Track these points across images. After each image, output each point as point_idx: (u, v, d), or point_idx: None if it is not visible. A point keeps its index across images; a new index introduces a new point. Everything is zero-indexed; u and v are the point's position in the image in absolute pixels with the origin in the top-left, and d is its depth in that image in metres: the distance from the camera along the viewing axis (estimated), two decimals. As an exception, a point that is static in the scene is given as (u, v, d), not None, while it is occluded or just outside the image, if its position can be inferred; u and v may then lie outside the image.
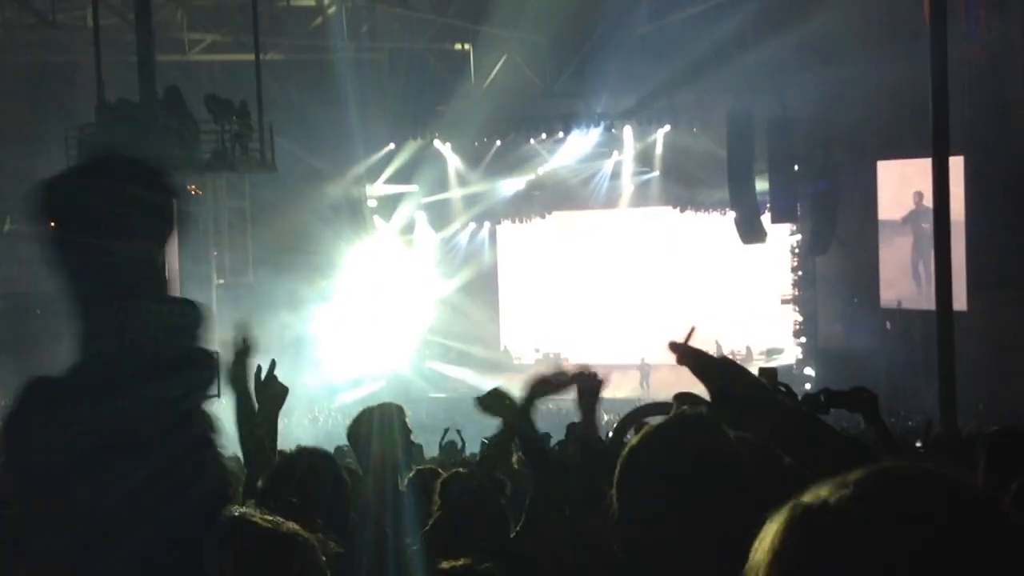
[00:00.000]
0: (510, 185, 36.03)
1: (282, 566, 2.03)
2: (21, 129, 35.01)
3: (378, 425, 5.17)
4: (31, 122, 34.07)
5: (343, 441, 12.61)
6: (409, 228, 36.59)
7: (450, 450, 13.53)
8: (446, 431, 14.47)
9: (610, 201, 35.67)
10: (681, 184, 35.20)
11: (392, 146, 35.71)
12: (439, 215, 36.54)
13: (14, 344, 30.16)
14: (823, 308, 34.82)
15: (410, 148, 35.78)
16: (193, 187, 35.24)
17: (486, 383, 5.79)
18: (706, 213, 34.78)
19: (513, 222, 36.42)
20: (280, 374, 4.78)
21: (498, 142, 35.45)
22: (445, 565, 3.46)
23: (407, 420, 5.35)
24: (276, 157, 24.82)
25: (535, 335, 35.61)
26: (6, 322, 33.05)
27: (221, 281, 35.88)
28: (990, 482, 4.11)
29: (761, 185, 33.06)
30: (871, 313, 33.52)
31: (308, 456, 4.35)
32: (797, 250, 34.64)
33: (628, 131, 34.70)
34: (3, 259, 35.45)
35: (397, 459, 5.17)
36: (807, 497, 1.24)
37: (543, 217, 36.23)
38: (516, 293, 36.46)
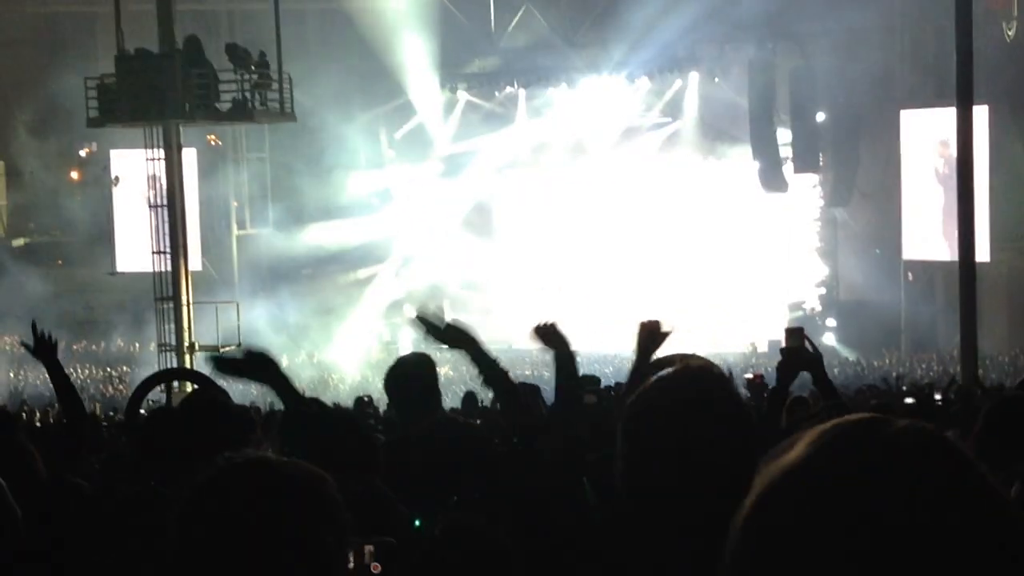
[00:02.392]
0: (528, 134, 35.87)
1: (302, 504, 2.03)
2: (41, 78, 35.01)
3: (413, 373, 5.30)
4: (51, 71, 34.06)
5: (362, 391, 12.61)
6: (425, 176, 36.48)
7: (471, 402, 13.59)
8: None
9: (631, 151, 35.47)
10: (703, 134, 34.99)
11: (405, 98, 35.60)
12: (456, 165, 36.43)
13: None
14: (844, 259, 34.69)
15: (430, 98, 35.65)
16: (213, 137, 35.31)
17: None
18: (729, 163, 34.60)
19: (530, 171, 36.29)
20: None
21: (520, 91, 35.31)
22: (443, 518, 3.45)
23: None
24: (296, 107, 24.77)
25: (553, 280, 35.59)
26: None
27: (241, 232, 35.99)
28: (984, 446, 4.09)
29: (784, 135, 32.91)
30: (893, 264, 33.40)
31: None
32: (821, 201, 34.49)
33: (648, 82, 34.48)
34: (26, 206, 35.60)
35: (435, 404, 5.33)
36: (770, 458, 1.24)
37: (560, 165, 36.08)
38: (530, 242, 36.35)
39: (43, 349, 5.78)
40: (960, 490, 1.15)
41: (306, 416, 4.34)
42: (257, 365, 4.19)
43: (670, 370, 2.57)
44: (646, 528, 2.39)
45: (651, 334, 4.59)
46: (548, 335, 4.52)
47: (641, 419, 2.45)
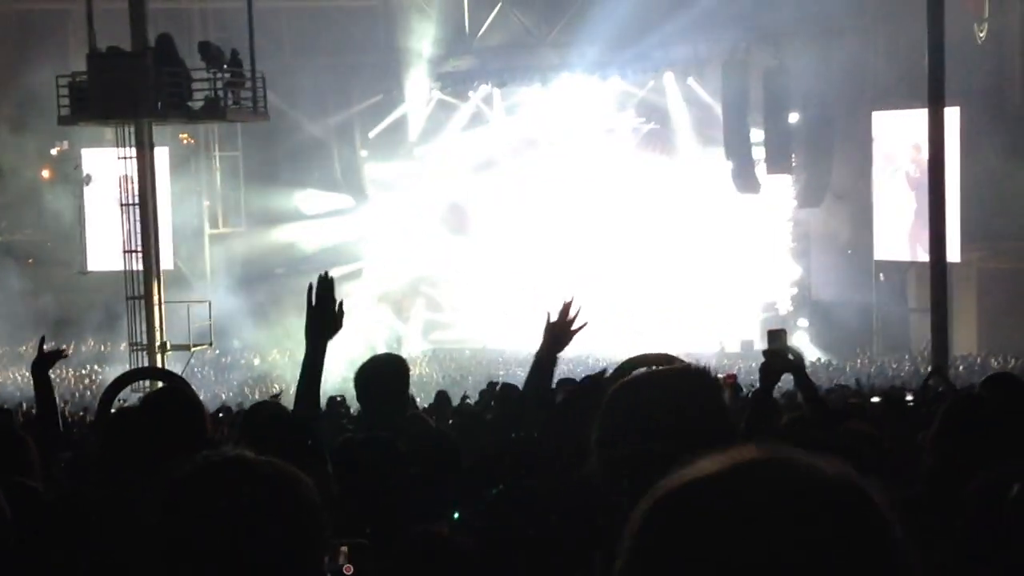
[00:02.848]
0: (503, 133, 35.88)
1: (280, 504, 2.01)
2: (12, 76, 34.78)
3: (384, 373, 5.28)
4: (22, 69, 33.82)
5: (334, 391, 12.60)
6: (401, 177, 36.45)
7: (442, 401, 13.58)
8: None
9: (604, 151, 35.48)
10: (676, 134, 35.05)
11: (381, 96, 35.54)
12: (430, 165, 36.39)
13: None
14: (817, 260, 34.83)
15: (406, 98, 35.61)
16: (185, 136, 35.16)
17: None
18: (702, 163, 34.66)
19: (505, 170, 36.27)
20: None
21: (495, 90, 35.29)
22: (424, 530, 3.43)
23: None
24: (268, 106, 24.68)
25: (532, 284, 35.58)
26: None
27: (214, 231, 35.86)
28: (941, 446, 4.10)
29: (757, 136, 33.00)
30: (865, 265, 33.54)
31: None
32: (793, 202, 34.59)
33: (621, 81, 34.51)
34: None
35: (403, 405, 5.33)
36: (671, 479, 1.24)
37: (535, 164, 36.08)
38: (505, 242, 36.33)
39: (41, 365, 5.88)
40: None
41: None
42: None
43: (659, 368, 2.56)
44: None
45: (558, 333, 4.61)
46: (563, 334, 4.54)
47: (622, 403, 2.44)
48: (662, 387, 2.44)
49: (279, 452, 2.11)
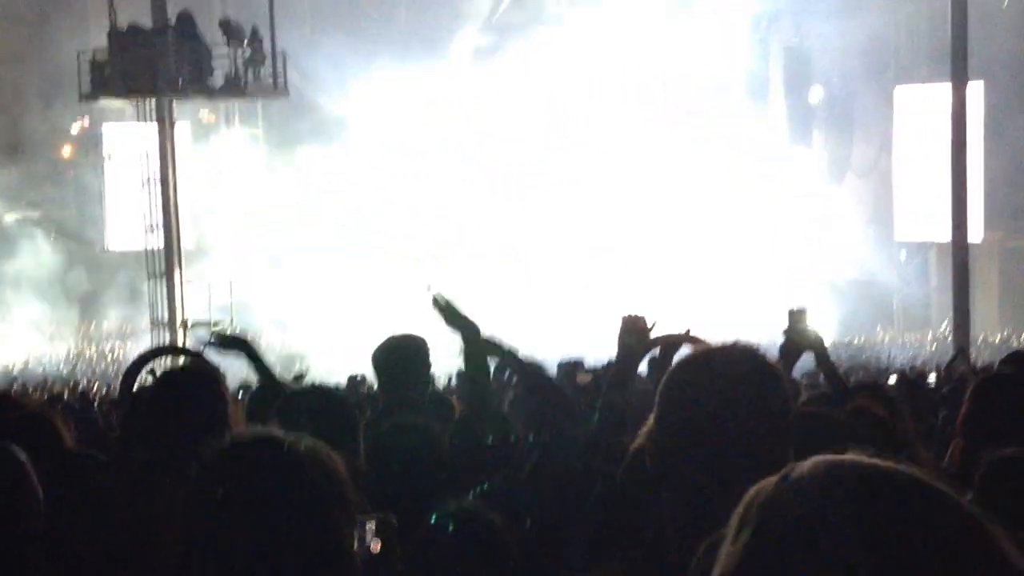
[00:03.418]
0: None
1: (309, 480, 2.05)
2: (34, 53, 34.86)
3: (404, 353, 5.24)
4: (43, 46, 33.90)
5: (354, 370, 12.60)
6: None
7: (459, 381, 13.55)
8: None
9: (617, 123, 35.15)
10: (696, 103, 34.82)
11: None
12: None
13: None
14: (838, 237, 34.67)
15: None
16: (206, 112, 35.19)
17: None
18: (723, 140, 34.47)
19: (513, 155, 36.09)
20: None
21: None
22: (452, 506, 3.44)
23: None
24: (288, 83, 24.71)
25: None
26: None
27: (234, 208, 35.88)
28: (972, 426, 4.07)
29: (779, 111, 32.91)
30: (886, 243, 33.39)
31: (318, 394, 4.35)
32: (814, 179, 34.45)
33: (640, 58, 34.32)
34: (18, 181, 35.47)
35: (425, 385, 5.32)
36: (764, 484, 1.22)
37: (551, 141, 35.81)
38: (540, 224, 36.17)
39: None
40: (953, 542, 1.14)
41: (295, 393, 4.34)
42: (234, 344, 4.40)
43: (714, 347, 2.49)
44: (675, 506, 2.32)
45: (634, 329, 4.55)
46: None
47: (682, 387, 2.36)
48: (727, 366, 2.36)
49: (317, 431, 2.14)
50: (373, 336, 5.84)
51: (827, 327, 31.99)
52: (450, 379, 13.57)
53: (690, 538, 2.03)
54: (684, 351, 2.58)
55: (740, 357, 2.37)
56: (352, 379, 12.85)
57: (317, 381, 5.07)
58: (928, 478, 1.18)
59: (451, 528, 3.24)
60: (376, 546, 2.41)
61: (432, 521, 3.75)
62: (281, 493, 2.00)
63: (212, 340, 4.94)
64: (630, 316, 4.54)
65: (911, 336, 31.69)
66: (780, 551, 1.15)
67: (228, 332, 4.95)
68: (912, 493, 1.17)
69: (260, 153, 35.86)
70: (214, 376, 4.23)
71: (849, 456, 1.21)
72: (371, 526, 2.54)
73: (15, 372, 28.87)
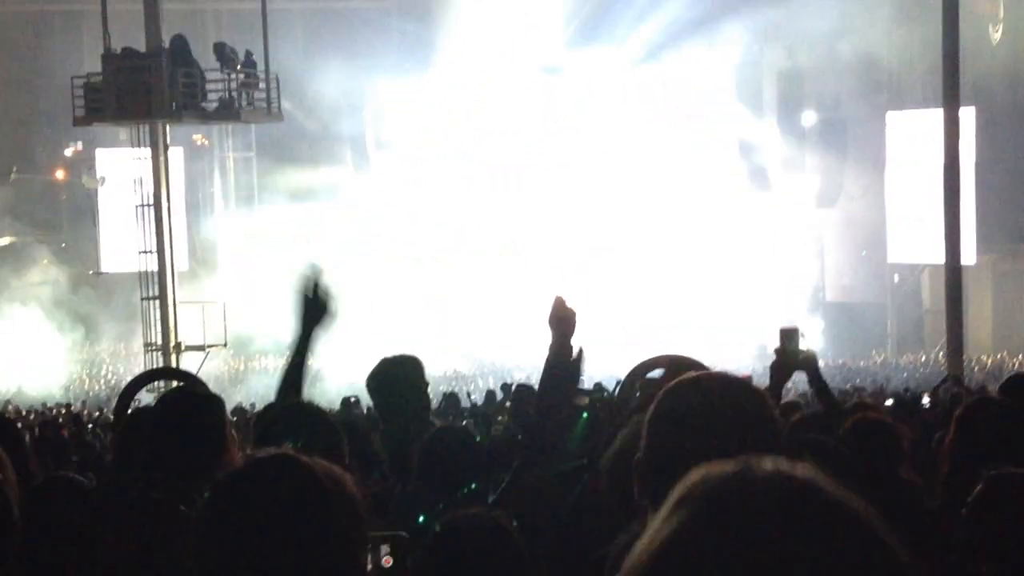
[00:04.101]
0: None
1: (324, 499, 2.06)
2: (26, 77, 34.93)
3: (400, 375, 5.17)
4: (37, 70, 33.97)
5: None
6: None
7: (451, 401, 13.58)
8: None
9: (613, 142, 35.19)
10: (691, 128, 34.93)
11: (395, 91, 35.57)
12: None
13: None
14: (831, 260, 34.75)
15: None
16: (200, 136, 35.24)
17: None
18: (717, 162, 34.52)
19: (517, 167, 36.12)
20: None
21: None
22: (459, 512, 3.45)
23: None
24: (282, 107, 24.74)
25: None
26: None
27: (227, 231, 35.90)
28: (958, 451, 4.06)
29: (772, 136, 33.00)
30: (879, 266, 33.46)
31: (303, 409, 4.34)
32: (808, 202, 34.52)
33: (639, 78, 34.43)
34: (11, 205, 35.47)
35: (421, 406, 5.21)
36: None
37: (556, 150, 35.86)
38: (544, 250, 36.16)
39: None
40: (838, 536, 1.13)
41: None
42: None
43: (696, 374, 2.50)
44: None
45: (562, 318, 4.48)
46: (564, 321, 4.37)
47: (671, 413, 2.37)
48: (717, 393, 2.38)
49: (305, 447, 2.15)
50: (382, 346, 5.82)
51: (820, 349, 32.03)
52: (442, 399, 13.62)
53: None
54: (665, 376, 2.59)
55: (727, 385, 2.39)
56: (346, 400, 12.81)
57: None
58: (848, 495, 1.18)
59: (437, 529, 3.25)
60: (388, 562, 2.43)
61: (420, 521, 3.76)
62: (298, 512, 2.02)
63: (310, 286, 4.53)
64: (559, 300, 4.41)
65: (904, 358, 31.73)
66: (716, 540, 1.13)
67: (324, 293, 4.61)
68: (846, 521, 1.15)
69: (253, 170, 35.92)
70: (212, 398, 4.23)
71: (804, 470, 1.19)
72: (385, 547, 2.56)
73: (9, 395, 28.79)
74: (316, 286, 4.48)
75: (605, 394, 11.37)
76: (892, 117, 32.39)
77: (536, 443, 4.27)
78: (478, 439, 4.88)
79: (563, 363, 4.46)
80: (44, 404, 24.59)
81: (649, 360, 5.19)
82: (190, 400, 4.30)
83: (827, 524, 1.12)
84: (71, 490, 3.83)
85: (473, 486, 4.09)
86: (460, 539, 3.22)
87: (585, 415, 4.50)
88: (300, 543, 2.01)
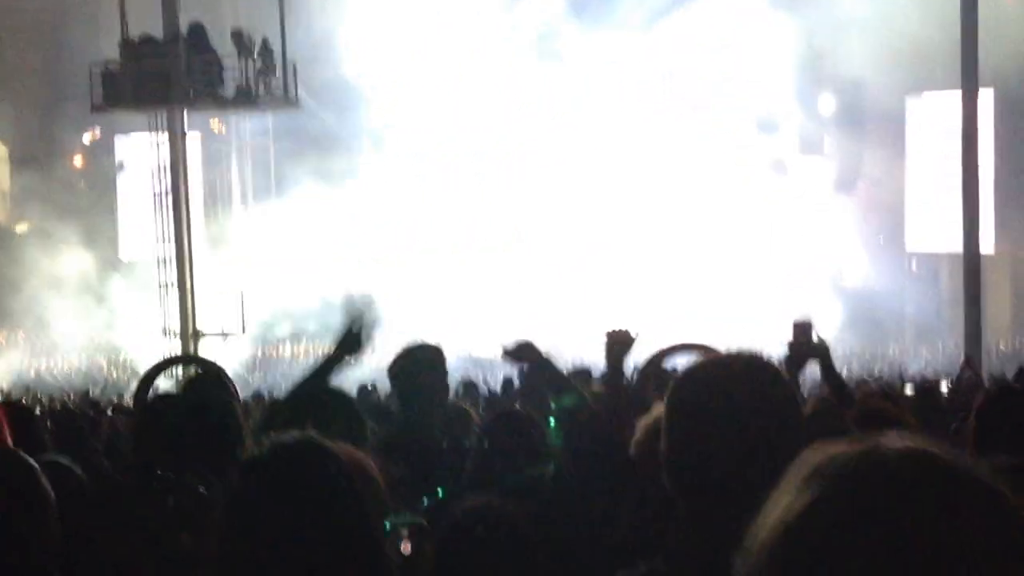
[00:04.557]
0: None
1: (348, 483, 2.08)
2: (44, 64, 34.99)
3: (422, 362, 5.23)
4: (55, 57, 34.02)
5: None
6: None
7: (470, 390, 13.59)
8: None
9: (623, 114, 34.99)
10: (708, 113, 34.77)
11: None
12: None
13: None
14: (848, 247, 34.61)
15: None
16: (217, 122, 35.28)
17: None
18: (735, 148, 34.39)
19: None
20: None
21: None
22: (469, 504, 3.46)
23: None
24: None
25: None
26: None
27: (244, 218, 35.97)
28: (979, 442, 4.05)
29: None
30: (897, 253, 33.33)
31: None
32: (826, 187, 34.40)
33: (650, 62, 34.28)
34: (30, 192, 35.59)
35: (444, 395, 5.31)
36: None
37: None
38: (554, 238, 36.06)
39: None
40: (978, 512, 1.14)
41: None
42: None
43: (719, 356, 2.48)
44: (694, 517, 2.31)
45: (618, 342, 4.54)
46: (523, 352, 4.48)
47: (692, 399, 2.35)
48: (737, 377, 2.36)
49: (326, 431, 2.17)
50: (393, 336, 5.84)
51: (837, 336, 31.96)
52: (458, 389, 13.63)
53: (710, 545, 2.03)
54: (687, 360, 2.58)
55: (747, 364, 2.37)
56: (363, 388, 12.85)
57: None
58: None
59: (453, 519, 3.28)
60: (406, 547, 2.45)
61: (424, 504, 3.79)
62: (321, 495, 2.03)
63: (358, 317, 4.62)
64: (615, 331, 4.52)
65: (922, 347, 31.62)
66: (857, 512, 1.14)
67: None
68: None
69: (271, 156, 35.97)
70: (228, 386, 4.26)
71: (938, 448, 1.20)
72: (404, 531, 2.58)
73: (29, 380, 28.95)
74: (363, 318, 4.50)
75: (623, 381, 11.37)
76: (912, 102, 32.22)
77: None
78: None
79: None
80: (62, 391, 24.72)
81: (666, 348, 5.19)
82: (206, 387, 4.34)
83: (964, 497, 1.14)
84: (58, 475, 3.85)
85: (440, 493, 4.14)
86: (473, 529, 3.24)
87: (553, 420, 4.54)
88: (323, 525, 2.03)
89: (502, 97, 35.71)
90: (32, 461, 3.29)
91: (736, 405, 2.28)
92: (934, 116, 30.85)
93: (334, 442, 2.15)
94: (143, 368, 16.29)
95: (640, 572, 2.35)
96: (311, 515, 2.03)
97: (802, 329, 4.52)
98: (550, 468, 4.24)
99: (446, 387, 5.31)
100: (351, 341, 4.53)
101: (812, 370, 4.80)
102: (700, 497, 2.29)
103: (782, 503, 1.20)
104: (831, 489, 1.17)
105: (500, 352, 4.49)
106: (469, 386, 13.78)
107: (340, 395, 4.32)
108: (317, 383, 4.52)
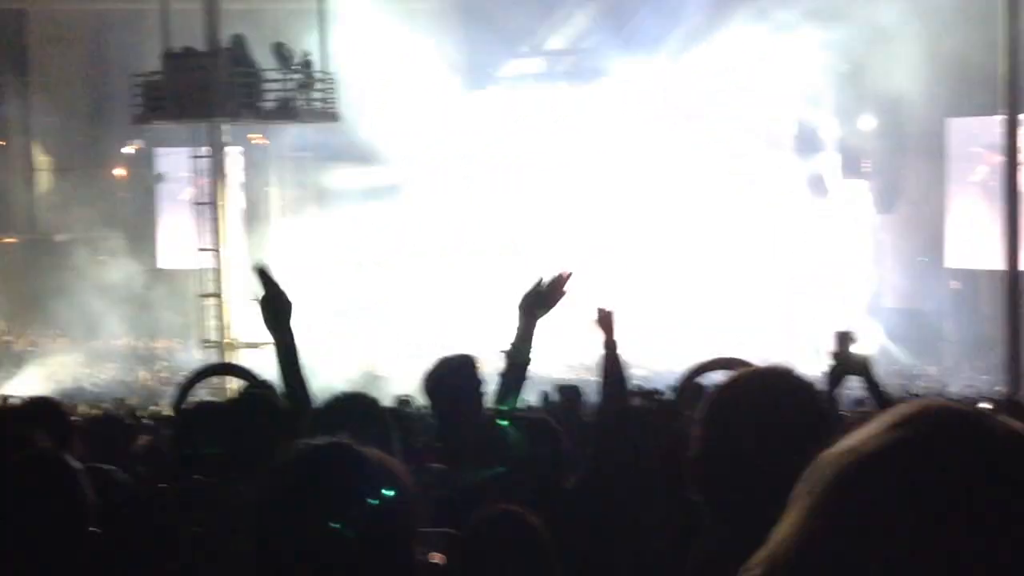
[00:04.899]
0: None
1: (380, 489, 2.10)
2: (86, 75, 35.32)
3: (458, 375, 5.23)
4: (97, 70, 34.33)
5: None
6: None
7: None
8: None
9: (669, 147, 35.00)
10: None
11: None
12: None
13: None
14: (889, 266, 34.44)
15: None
16: (258, 136, 35.47)
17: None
18: (774, 168, 34.29)
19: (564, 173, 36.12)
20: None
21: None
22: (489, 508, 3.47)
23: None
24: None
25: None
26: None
27: (284, 229, 36.10)
28: None
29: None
30: (937, 272, 33.14)
31: (355, 399, 4.34)
32: (867, 207, 34.27)
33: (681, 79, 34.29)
34: (70, 202, 35.87)
35: (479, 408, 5.24)
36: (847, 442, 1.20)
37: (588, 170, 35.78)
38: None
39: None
40: None
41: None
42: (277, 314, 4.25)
43: (756, 367, 2.50)
44: (723, 525, 2.32)
45: (604, 326, 4.55)
46: (603, 323, 4.48)
47: (729, 411, 2.37)
48: (772, 389, 2.37)
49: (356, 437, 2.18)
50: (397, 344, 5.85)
51: (875, 355, 31.69)
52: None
53: (742, 554, 2.04)
54: (721, 375, 2.60)
55: (777, 377, 2.39)
56: (401, 400, 12.87)
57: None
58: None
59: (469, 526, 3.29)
60: (436, 558, 2.44)
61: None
62: (353, 499, 2.04)
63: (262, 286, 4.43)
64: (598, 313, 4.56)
65: (962, 365, 31.39)
66: (945, 453, 1.12)
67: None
68: None
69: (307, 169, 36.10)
70: (272, 398, 4.27)
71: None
72: (435, 540, 2.58)
73: (67, 389, 29.15)
74: (267, 284, 4.36)
75: (656, 395, 11.34)
76: (952, 123, 32.08)
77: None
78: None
79: (613, 357, 4.52)
80: (99, 399, 24.89)
81: (706, 362, 5.17)
82: (249, 400, 4.35)
83: None
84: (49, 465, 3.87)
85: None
86: (490, 536, 3.25)
87: (506, 423, 4.54)
88: (354, 530, 2.04)
89: (506, 104, 35.86)
90: (75, 463, 3.32)
91: (769, 418, 2.30)
92: (975, 137, 30.69)
93: (366, 447, 2.16)
94: (180, 377, 16.39)
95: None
96: (340, 519, 2.04)
97: (844, 339, 4.49)
98: (570, 478, 4.25)
99: (480, 395, 5.31)
100: (275, 309, 4.37)
101: (852, 386, 4.76)
102: (729, 507, 2.30)
103: (856, 438, 1.17)
104: (921, 432, 1.15)
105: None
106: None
107: (372, 402, 4.32)
108: (291, 360, 4.41)
